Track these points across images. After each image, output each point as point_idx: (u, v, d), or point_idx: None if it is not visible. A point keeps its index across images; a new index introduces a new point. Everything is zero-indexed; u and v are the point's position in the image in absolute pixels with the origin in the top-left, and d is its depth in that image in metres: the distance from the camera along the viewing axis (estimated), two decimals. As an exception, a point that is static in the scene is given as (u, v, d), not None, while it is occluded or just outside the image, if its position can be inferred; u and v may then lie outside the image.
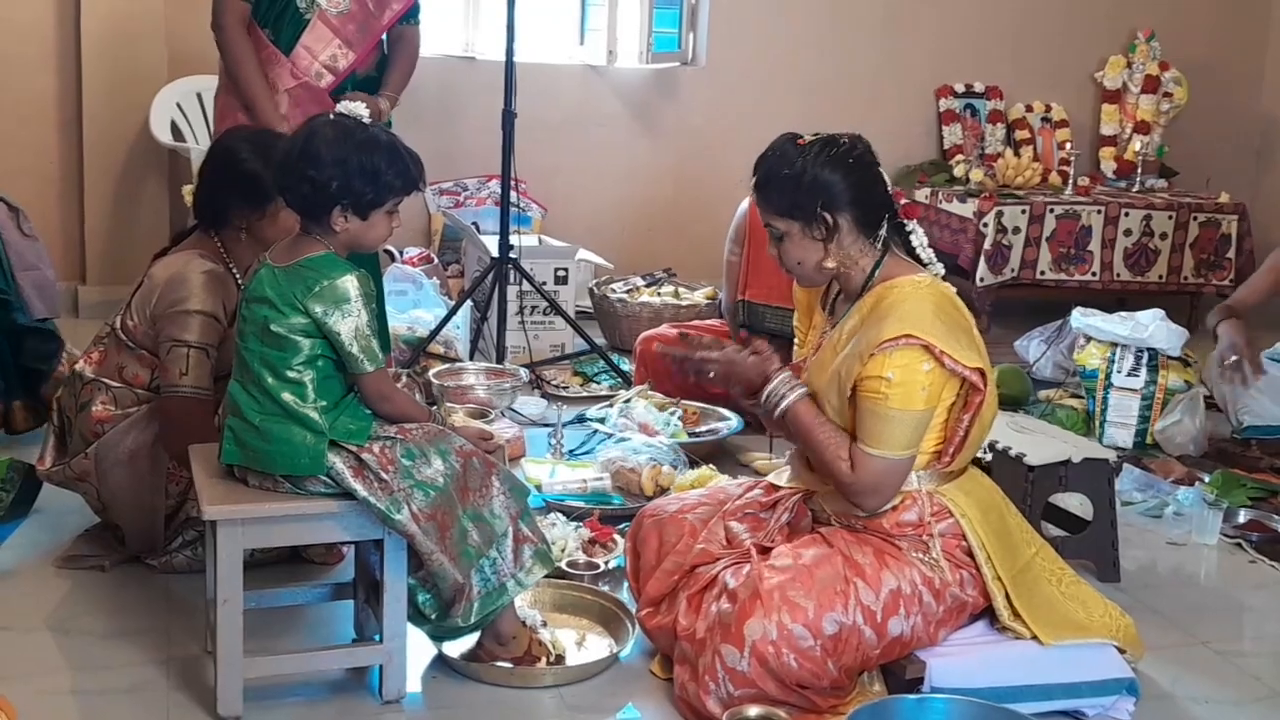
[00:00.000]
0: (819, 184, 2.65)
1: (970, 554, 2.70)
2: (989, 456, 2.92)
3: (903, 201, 2.75)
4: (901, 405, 2.57)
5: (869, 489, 2.65)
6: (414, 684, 2.73)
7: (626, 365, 4.93)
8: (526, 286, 5.03)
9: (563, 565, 3.18)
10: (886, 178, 2.74)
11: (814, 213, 2.66)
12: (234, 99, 4.03)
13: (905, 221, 2.75)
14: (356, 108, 2.62)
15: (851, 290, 2.76)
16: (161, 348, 3.07)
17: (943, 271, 2.78)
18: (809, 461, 2.81)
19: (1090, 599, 2.83)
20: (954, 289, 2.78)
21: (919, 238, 2.77)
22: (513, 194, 4.87)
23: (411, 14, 4.17)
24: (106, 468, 3.13)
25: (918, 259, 2.77)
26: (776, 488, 2.93)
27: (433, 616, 2.68)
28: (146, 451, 3.11)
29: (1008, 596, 2.70)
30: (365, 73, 4.11)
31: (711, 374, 2.83)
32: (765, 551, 2.73)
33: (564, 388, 4.90)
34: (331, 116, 2.60)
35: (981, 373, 2.64)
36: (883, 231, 2.71)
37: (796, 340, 2.99)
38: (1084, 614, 2.77)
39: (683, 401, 4.35)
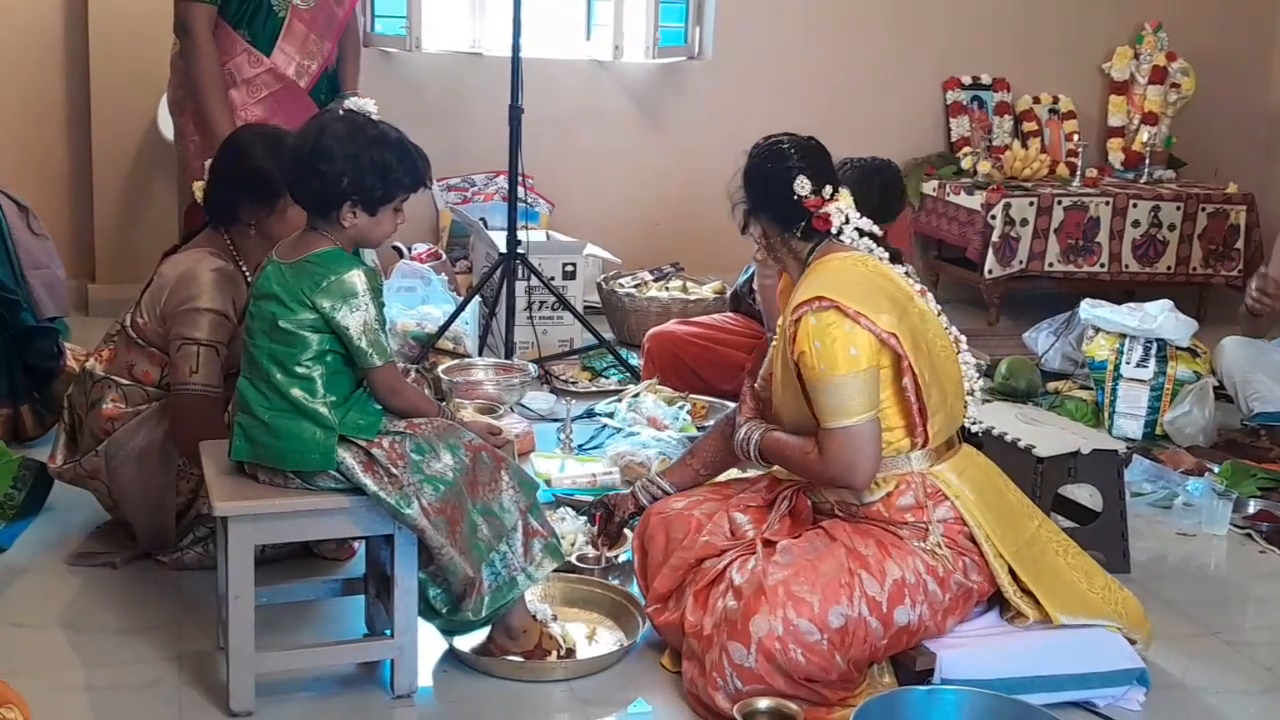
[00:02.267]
0: (744, 183, 2.86)
1: (972, 538, 2.71)
2: (975, 427, 2.94)
3: (819, 212, 2.78)
4: (844, 369, 2.60)
5: (843, 465, 2.66)
6: (425, 678, 2.74)
7: (635, 360, 4.93)
8: (535, 282, 5.03)
9: (572, 559, 3.19)
10: (803, 182, 2.77)
11: (743, 213, 2.87)
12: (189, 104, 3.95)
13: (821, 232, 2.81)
14: (365, 104, 2.63)
15: (795, 279, 2.85)
16: (171, 345, 3.07)
17: (886, 256, 2.83)
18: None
19: (1093, 570, 2.87)
20: (902, 269, 2.83)
21: (848, 234, 2.80)
22: (520, 190, 4.87)
23: None
24: (116, 465, 3.14)
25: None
26: (780, 481, 2.94)
27: (443, 611, 2.69)
28: (157, 449, 3.12)
29: (1012, 572, 2.72)
30: (331, 68, 4.09)
31: None
32: (770, 545, 2.74)
33: (573, 383, 4.90)
34: (341, 112, 2.62)
35: (896, 337, 2.64)
36: (799, 229, 2.81)
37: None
38: (1086, 584, 2.80)
39: (691, 396, 4.35)
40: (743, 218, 2.88)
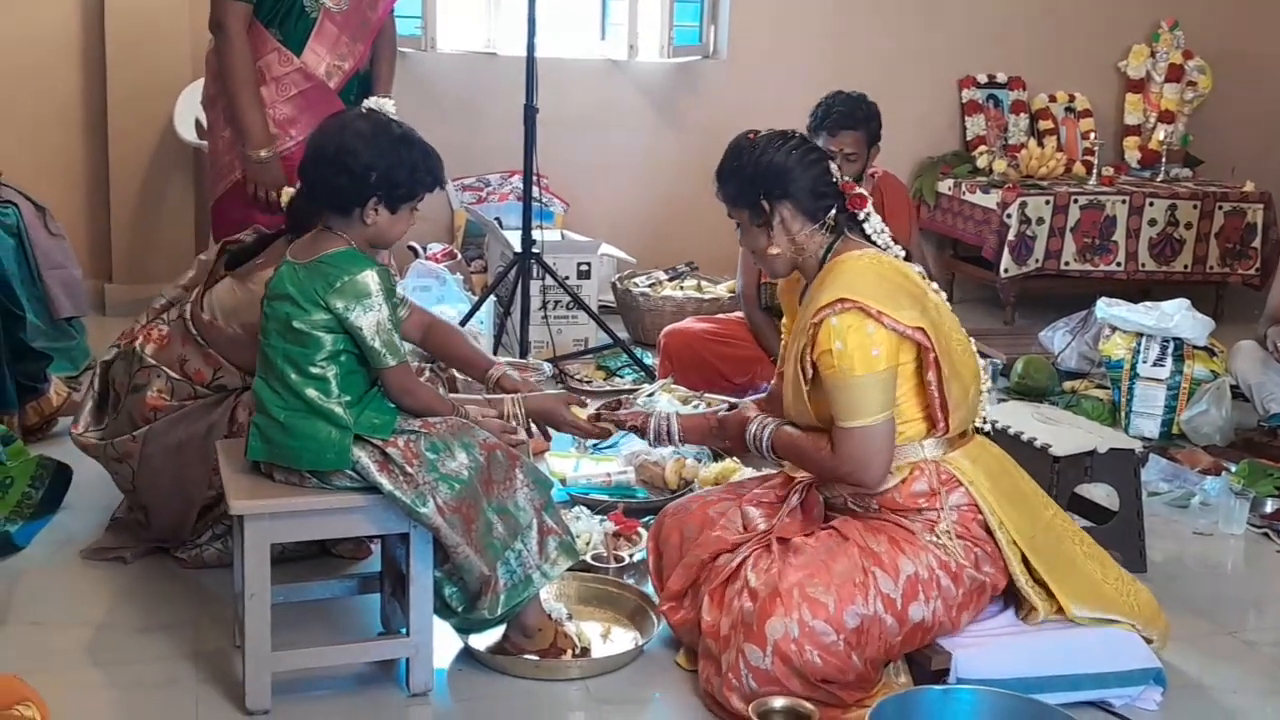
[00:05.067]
0: (758, 174, 2.76)
1: (986, 527, 2.71)
2: (988, 426, 2.93)
3: (854, 192, 2.78)
4: (863, 369, 2.60)
5: (857, 464, 2.66)
6: (440, 677, 2.74)
7: (650, 359, 4.93)
8: (549, 281, 5.04)
9: (587, 558, 3.19)
10: (834, 168, 2.79)
11: (755, 202, 2.76)
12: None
13: (856, 211, 2.79)
14: (385, 104, 2.64)
15: (810, 279, 2.82)
16: None
17: (902, 254, 2.82)
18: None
19: (1107, 561, 2.86)
20: (918, 268, 2.82)
21: (873, 224, 2.80)
22: (535, 189, 4.88)
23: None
24: (151, 453, 3.13)
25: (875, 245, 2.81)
26: (793, 478, 2.94)
27: (459, 609, 2.69)
28: (197, 444, 3.10)
29: (1025, 563, 2.71)
30: (364, 69, 4.09)
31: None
32: (783, 541, 2.74)
33: (587, 382, 4.90)
34: (363, 111, 2.63)
35: (924, 331, 2.65)
36: (829, 219, 2.76)
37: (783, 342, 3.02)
38: (1101, 574, 2.80)
39: (706, 395, 4.32)
40: (759, 212, 2.76)
